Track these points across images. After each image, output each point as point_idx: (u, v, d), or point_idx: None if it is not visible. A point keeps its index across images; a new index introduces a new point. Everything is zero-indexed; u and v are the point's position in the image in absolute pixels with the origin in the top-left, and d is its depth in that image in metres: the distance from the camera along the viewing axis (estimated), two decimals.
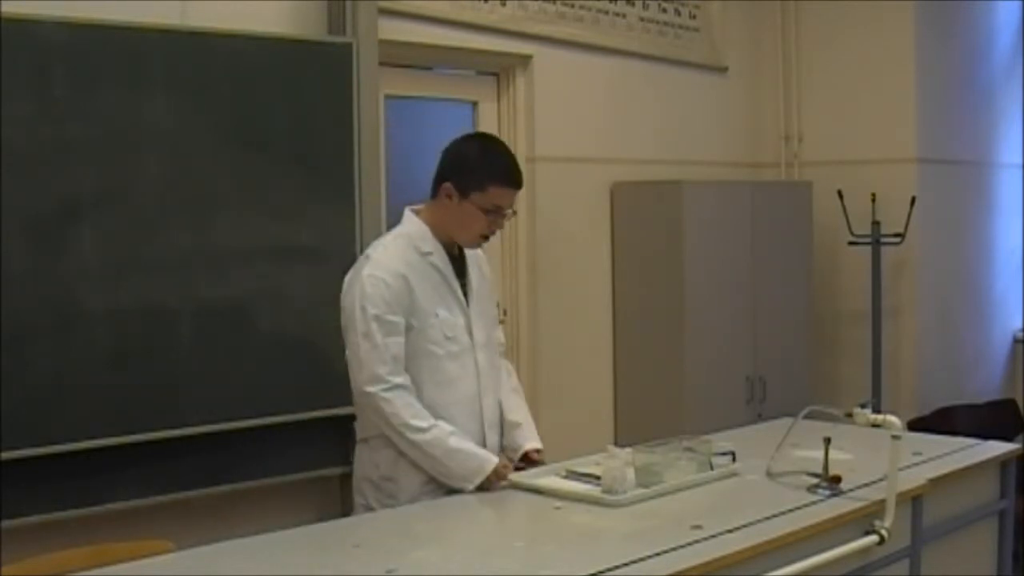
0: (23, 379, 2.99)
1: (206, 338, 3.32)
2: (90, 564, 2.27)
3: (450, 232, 2.78)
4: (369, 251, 2.77)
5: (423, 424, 2.64)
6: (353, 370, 2.69)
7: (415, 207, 2.84)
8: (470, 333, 2.80)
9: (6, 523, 2.95)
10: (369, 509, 2.76)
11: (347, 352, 2.73)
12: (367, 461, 2.78)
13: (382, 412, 2.64)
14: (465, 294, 2.82)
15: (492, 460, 2.69)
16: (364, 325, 2.64)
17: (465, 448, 2.67)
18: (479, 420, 2.81)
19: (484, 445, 2.80)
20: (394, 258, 2.71)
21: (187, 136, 3.28)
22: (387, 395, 2.63)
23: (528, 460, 2.86)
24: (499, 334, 3.01)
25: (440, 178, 2.77)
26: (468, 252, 2.88)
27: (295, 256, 3.50)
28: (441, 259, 2.77)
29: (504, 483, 2.69)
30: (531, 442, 2.89)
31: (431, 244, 2.76)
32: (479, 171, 2.72)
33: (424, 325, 2.71)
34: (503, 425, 2.92)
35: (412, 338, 2.69)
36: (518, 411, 2.95)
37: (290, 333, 3.50)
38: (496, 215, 2.74)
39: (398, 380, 2.65)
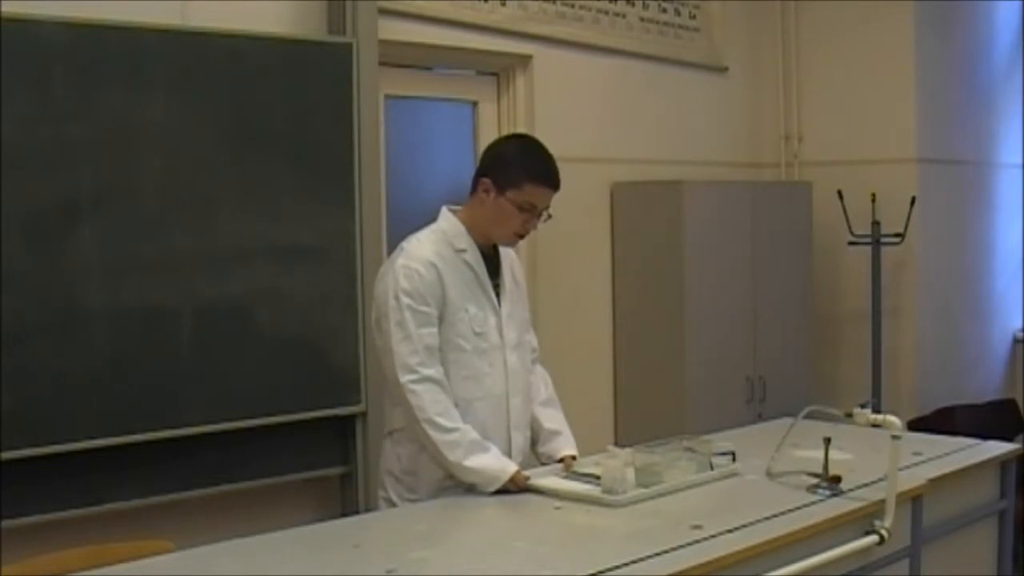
0: (23, 379, 2.99)
1: (206, 338, 3.32)
2: (90, 564, 2.27)
3: (485, 229, 2.80)
4: (403, 244, 2.80)
5: (448, 424, 2.64)
6: (385, 360, 2.71)
7: (452, 207, 2.87)
8: (501, 333, 2.82)
9: (6, 523, 2.95)
10: (390, 502, 2.79)
11: (379, 342, 2.75)
12: (391, 454, 2.81)
13: (409, 404, 2.64)
14: (498, 295, 2.84)
15: (508, 470, 2.66)
16: (397, 314, 2.66)
17: (481, 462, 2.65)
18: (505, 419, 2.82)
19: (509, 445, 2.82)
20: (428, 250, 2.74)
21: (187, 136, 3.28)
22: (415, 387, 2.63)
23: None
24: (532, 339, 3.03)
25: (479, 175, 2.80)
26: (503, 255, 2.91)
27: (295, 256, 3.50)
28: (475, 257, 2.80)
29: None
30: (567, 448, 2.91)
31: (466, 242, 2.79)
32: (517, 168, 2.75)
33: (453, 319, 2.73)
34: (540, 433, 2.94)
35: (441, 330, 2.71)
36: (556, 420, 2.97)
37: (290, 333, 3.50)
38: (531, 214, 2.76)
39: (428, 372, 2.65)
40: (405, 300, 2.66)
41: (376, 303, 2.76)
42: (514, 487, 2.65)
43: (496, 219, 2.77)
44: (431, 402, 2.64)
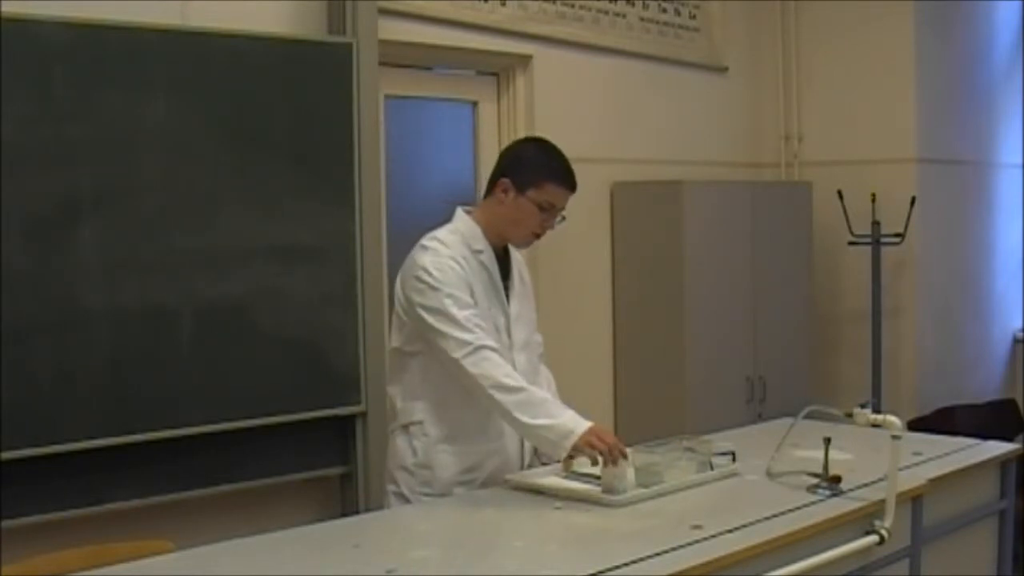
0: (23, 379, 2.99)
1: (206, 338, 3.32)
2: (90, 564, 2.27)
3: (503, 230, 2.83)
4: (424, 242, 2.80)
5: (514, 384, 2.62)
6: (440, 344, 2.67)
7: (466, 207, 2.89)
8: (509, 333, 2.84)
9: (6, 523, 2.95)
10: (402, 497, 2.79)
11: (428, 336, 2.70)
12: (405, 448, 2.82)
13: (472, 375, 2.62)
14: (507, 295, 2.86)
15: (580, 427, 2.60)
16: (438, 302, 2.67)
17: (551, 420, 2.61)
18: None
19: (520, 444, 2.84)
20: (454, 250, 2.76)
21: (187, 136, 3.28)
22: (472, 357, 2.62)
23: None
24: (538, 338, 3.04)
25: (497, 175, 2.83)
26: (512, 255, 2.93)
27: (295, 256, 3.50)
28: (490, 258, 2.83)
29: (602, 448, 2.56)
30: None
31: (482, 243, 2.82)
32: (537, 168, 2.79)
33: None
34: None
35: None
36: None
37: (290, 333, 3.49)
38: (549, 214, 2.80)
39: (482, 342, 2.64)
40: (445, 290, 2.67)
41: (419, 294, 2.70)
42: (598, 441, 2.56)
43: (515, 219, 2.80)
44: (492, 367, 2.62)
